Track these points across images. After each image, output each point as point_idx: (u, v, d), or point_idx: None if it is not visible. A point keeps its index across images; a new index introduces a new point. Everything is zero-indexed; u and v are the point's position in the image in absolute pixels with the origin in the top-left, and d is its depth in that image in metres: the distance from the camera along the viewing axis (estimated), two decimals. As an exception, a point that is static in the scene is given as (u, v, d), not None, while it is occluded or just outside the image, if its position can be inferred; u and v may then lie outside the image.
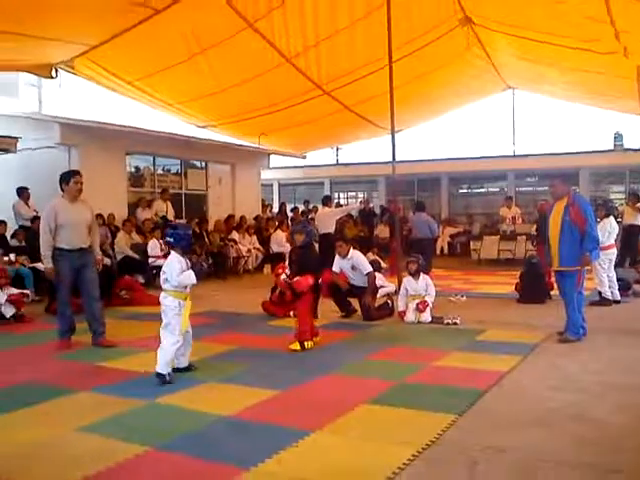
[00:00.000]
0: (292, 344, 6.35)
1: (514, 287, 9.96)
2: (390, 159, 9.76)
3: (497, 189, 22.34)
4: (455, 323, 7.67)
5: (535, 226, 14.87)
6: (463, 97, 17.80)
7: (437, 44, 12.80)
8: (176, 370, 5.32)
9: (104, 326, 6.78)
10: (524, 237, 15.57)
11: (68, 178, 6.62)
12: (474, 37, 12.99)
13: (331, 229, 12.59)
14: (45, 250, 6.45)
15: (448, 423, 4.06)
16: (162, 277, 5.38)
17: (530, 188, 21.90)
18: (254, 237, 15.07)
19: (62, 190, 6.64)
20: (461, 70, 14.92)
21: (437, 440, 3.79)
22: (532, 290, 9.44)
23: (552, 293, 9.16)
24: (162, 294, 5.33)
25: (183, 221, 14.52)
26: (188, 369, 5.48)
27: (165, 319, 5.25)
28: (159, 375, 5.12)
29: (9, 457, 3.64)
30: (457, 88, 16.37)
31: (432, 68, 14.10)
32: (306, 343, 6.38)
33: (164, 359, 5.13)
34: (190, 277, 5.28)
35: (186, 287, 5.33)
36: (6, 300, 8.11)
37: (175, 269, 5.24)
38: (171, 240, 5.50)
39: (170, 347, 5.16)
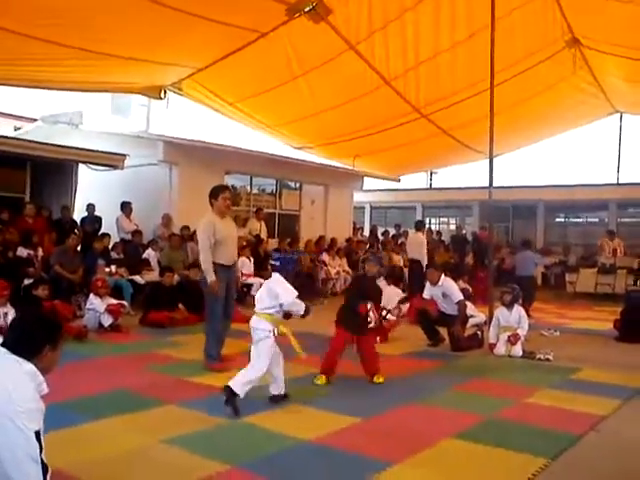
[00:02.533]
0: (376, 378, 6.07)
1: (613, 324, 9.40)
2: (486, 184, 9.51)
3: (596, 219, 21.38)
4: (548, 359, 7.35)
5: (639, 259, 14.14)
6: (567, 122, 17.12)
7: (541, 67, 12.44)
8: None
9: (222, 347, 6.62)
10: (625, 271, 14.79)
11: (216, 194, 6.45)
12: (581, 59, 12.54)
13: (420, 257, 12.51)
14: (208, 264, 6.29)
15: (538, 467, 3.85)
16: (265, 298, 5.07)
17: (634, 219, 20.83)
18: (344, 259, 15.06)
19: (211, 205, 6.50)
20: (566, 94, 14.39)
21: (525, 485, 3.61)
22: (635, 328, 8.87)
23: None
24: (255, 318, 5.07)
25: (275, 240, 14.73)
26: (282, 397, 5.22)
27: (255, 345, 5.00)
28: (228, 389, 4.78)
29: (100, 463, 3.76)
30: (561, 112, 15.77)
31: (535, 92, 13.69)
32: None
33: (243, 379, 4.84)
34: (301, 305, 5.07)
35: (285, 314, 5.09)
36: (105, 309, 8.43)
37: (290, 289, 5.04)
38: (276, 263, 5.39)
39: (255, 374, 4.91)
